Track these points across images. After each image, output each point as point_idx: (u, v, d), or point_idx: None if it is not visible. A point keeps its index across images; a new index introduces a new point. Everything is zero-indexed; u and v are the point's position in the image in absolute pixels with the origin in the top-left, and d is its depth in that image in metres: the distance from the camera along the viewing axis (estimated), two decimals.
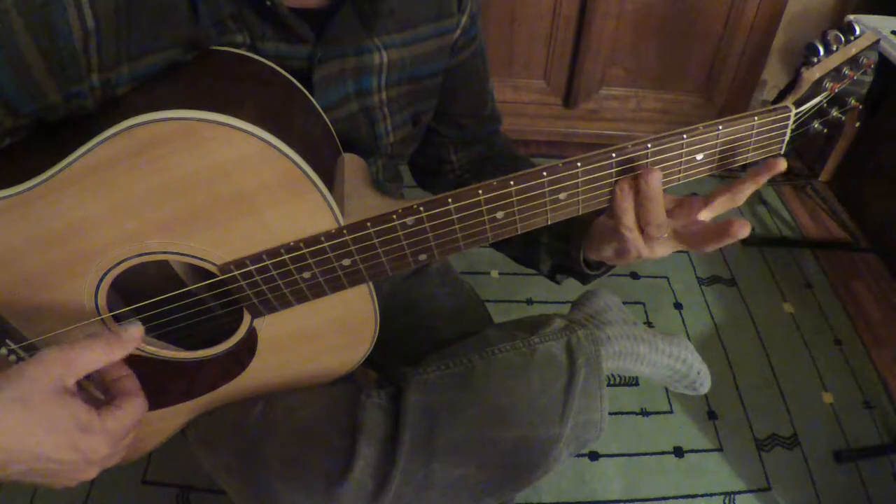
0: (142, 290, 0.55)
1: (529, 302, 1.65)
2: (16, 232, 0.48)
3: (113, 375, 0.54)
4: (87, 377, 0.51)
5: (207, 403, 0.66)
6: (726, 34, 1.92)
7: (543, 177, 0.49)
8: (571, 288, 1.77)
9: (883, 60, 1.47)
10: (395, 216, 0.49)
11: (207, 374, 0.62)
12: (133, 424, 0.51)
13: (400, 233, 0.50)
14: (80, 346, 0.47)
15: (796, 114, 0.53)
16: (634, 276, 1.74)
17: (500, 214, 0.50)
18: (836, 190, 2.08)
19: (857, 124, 1.94)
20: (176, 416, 0.67)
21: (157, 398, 0.54)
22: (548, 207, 0.51)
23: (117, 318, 0.57)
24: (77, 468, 0.48)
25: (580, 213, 0.52)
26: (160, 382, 0.57)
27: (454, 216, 0.50)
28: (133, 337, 0.51)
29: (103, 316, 0.55)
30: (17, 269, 0.50)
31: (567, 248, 0.65)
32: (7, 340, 0.55)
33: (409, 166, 0.83)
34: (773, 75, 2.10)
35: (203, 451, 0.69)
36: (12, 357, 0.56)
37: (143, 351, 0.58)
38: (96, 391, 0.55)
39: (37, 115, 0.49)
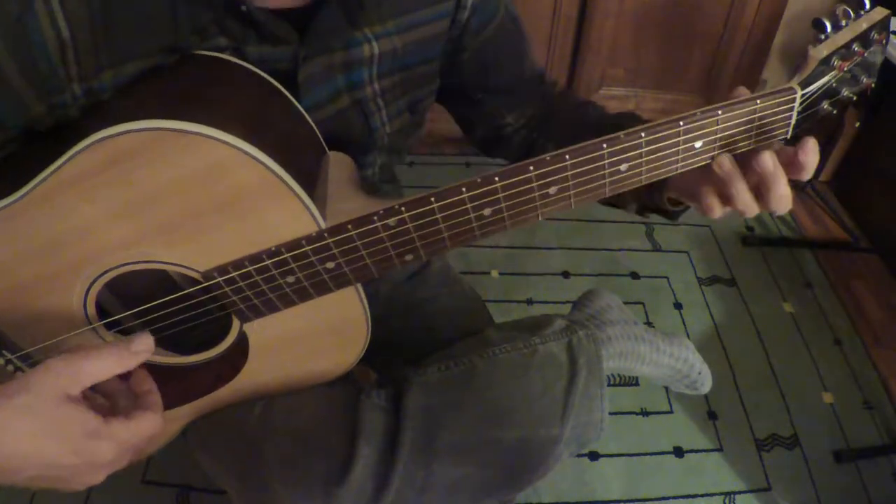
0: (138, 293, 0.55)
1: (529, 302, 1.65)
2: (2, 246, 0.48)
3: (139, 389, 0.54)
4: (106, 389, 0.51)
5: (206, 406, 0.66)
6: (726, 34, 1.92)
7: (530, 171, 0.47)
8: (572, 288, 1.76)
9: (883, 61, 1.47)
10: (376, 217, 0.48)
11: (202, 378, 0.62)
12: (143, 438, 0.51)
13: (383, 234, 0.49)
14: (88, 355, 0.47)
15: (803, 95, 0.50)
16: (634, 276, 1.74)
17: (487, 211, 0.49)
18: (836, 190, 2.07)
19: (857, 124, 1.94)
20: (175, 419, 0.67)
21: None
22: (537, 202, 0.49)
23: (109, 326, 0.57)
24: (83, 472, 0.48)
25: (572, 207, 0.51)
26: (157, 387, 0.57)
27: (438, 215, 0.48)
28: (142, 348, 0.50)
29: (94, 325, 0.55)
30: (7, 282, 0.50)
31: (650, 191, 0.62)
32: (3, 351, 0.55)
33: (473, 142, 0.82)
34: (773, 75, 2.09)
35: (202, 452, 0.69)
36: (10, 367, 0.56)
37: None
38: (103, 402, 0.55)
39: (23, 128, 0.48)
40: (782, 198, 0.50)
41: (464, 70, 0.70)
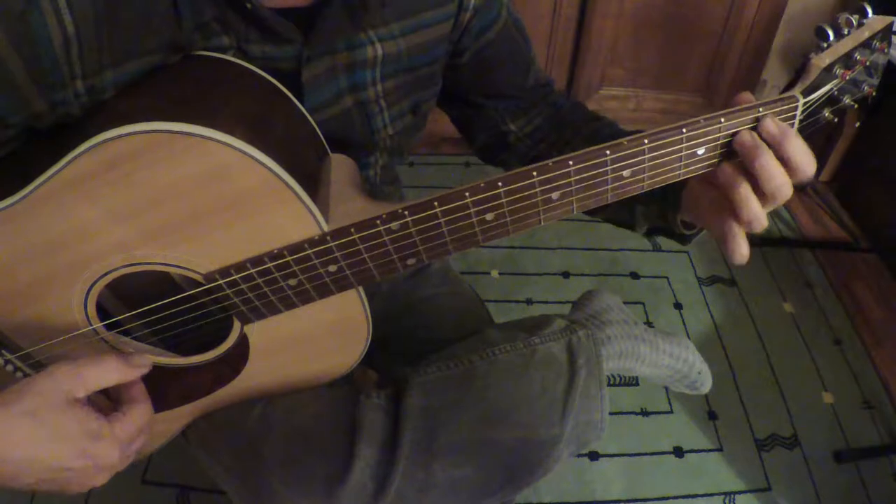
0: (139, 294, 0.55)
1: (529, 302, 1.65)
2: (2, 246, 0.48)
3: None
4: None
5: (206, 406, 0.66)
6: (726, 34, 1.92)
7: (533, 176, 0.47)
8: (572, 288, 1.75)
9: (885, 64, 1.46)
10: (379, 221, 0.48)
11: (203, 379, 0.62)
12: (140, 430, 0.52)
13: (385, 238, 0.49)
14: (91, 363, 0.48)
15: (805, 103, 0.50)
16: (634, 276, 1.74)
17: (489, 216, 0.49)
18: (836, 190, 2.07)
19: (858, 124, 1.94)
20: (176, 418, 0.67)
21: (155, 402, 0.55)
22: (540, 208, 0.49)
23: (110, 327, 0.57)
24: (87, 475, 0.48)
25: (574, 213, 0.51)
26: (157, 387, 0.57)
27: (441, 219, 0.48)
28: (141, 365, 0.52)
29: (94, 326, 0.55)
30: (7, 282, 0.50)
31: (663, 214, 0.61)
32: (3, 350, 0.55)
33: (475, 150, 0.81)
34: (773, 75, 2.09)
35: (202, 452, 0.69)
36: (9, 367, 0.56)
37: None
38: (104, 401, 0.55)
39: (24, 125, 0.48)
40: (771, 174, 0.47)
41: (463, 72, 0.70)
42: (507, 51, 0.72)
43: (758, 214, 0.49)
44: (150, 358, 0.53)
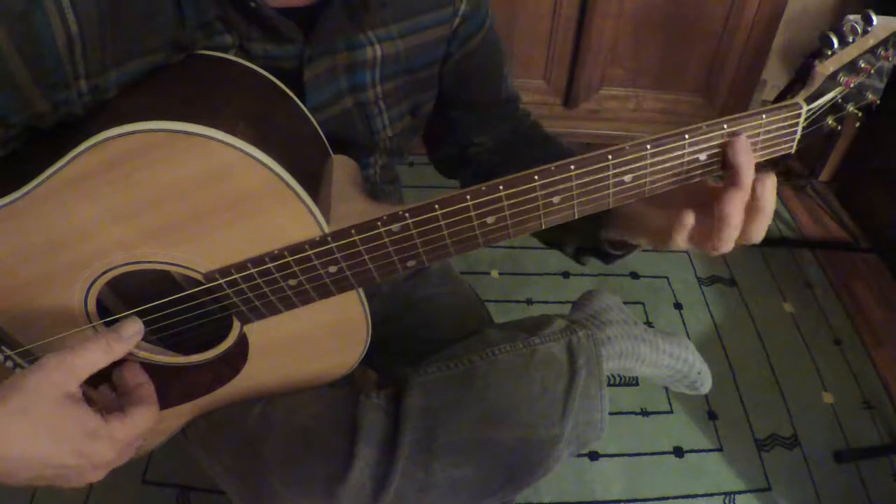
0: (140, 293, 0.55)
1: (529, 302, 1.65)
2: (2, 243, 0.48)
3: (131, 382, 0.55)
4: (101, 381, 0.51)
5: (206, 405, 0.66)
6: (726, 34, 1.92)
7: (535, 181, 0.47)
8: (572, 288, 1.75)
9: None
10: (380, 223, 0.48)
11: (202, 378, 0.62)
12: (141, 433, 0.51)
13: (386, 240, 0.49)
14: (78, 349, 0.47)
15: (808, 111, 0.50)
16: (634, 276, 1.74)
17: (490, 219, 0.49)
18: (836, 190, 2.07)
19: (857, 124, 1.93)
20: (176, 417, 0.67)
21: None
22: (541, 212, 0.49)
23: (111, 325, 0.57)
24: (83, 472, 0.48)
25: (576, 217, 0.51)
26: (157, 385, 0.57)
27: (441, 222, 0.48)
28: (132, 332, 0.51)
29: (94, 323, 0.55)
30: (7, 279, 0.50)
31: (591, 232, 0.62)
32: (3, 346, 0.55)
33: (435, 163, 0.82)
34: (774, 75, 2.09)
35: (202, 451, 0.69)
36: (9, 363, 0.56)
37: (136, 357, 0.58)
38: (110, 395, 0.55)
39: (26, 125, 0.48)
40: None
41: (443, 79, 0.70)
42: (487, 62, 0.72)
43: (729, 245, 0.51)
44: (139, 323, 0.52)
